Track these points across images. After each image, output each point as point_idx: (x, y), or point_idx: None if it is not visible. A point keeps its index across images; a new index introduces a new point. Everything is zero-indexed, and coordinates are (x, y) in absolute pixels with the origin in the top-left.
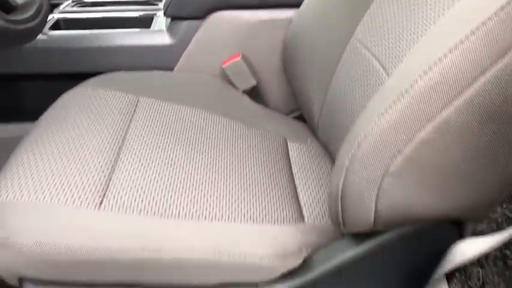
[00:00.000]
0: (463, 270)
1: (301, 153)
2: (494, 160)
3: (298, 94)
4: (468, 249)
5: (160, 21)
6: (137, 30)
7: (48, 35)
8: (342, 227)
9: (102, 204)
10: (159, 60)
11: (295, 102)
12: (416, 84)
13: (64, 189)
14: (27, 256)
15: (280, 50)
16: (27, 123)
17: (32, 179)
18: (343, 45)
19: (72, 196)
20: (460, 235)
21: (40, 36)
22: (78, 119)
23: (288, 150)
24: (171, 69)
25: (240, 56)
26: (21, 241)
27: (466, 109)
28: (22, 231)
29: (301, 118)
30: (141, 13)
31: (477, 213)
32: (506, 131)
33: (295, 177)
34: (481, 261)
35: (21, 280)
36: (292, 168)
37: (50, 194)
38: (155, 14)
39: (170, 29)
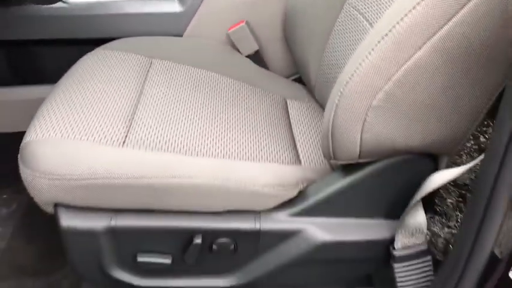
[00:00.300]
0: (444, 214)
1: (299, 110)
2: (459, 97)
3: (297, 58)
4: (439, 178)
5: None
6: None
7: (68, 2)
8: (333, 159)
9: (125, 143)
10: (170, 27)
11: (295, 66)
12: (394, 29)
13: (91, 129)
14: (60, 184)
15: (281, 17)
16: (48, 85)
17: (62, 122)
18: (338, 11)
19: (98, 135)
20: (436, 168)
21: (60, 4)
22: (98, 75)
23: (287, 106)
24: (180, 35)
25: (244, 23)
26: (55, 171)
27: (435, 51)
28: (56, 163)
29: (299, 81)
30: None
31: (449, 147)
32: (469, 72)
33: (293, 129)
34: (460, 206)
35: (55, 206)
36: (291, 121)
37: (79, 133)
38: None
39: None
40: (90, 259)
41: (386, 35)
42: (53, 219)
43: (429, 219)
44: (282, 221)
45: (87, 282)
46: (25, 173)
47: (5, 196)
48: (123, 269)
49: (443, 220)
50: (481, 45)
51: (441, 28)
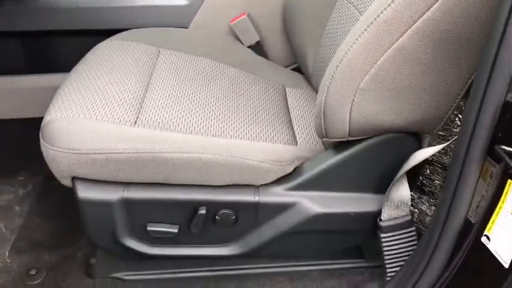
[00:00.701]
0: (431, 194)
1: (296, 96)
2: (439, 80)
3: (295, 48)
4: (420, 155)
5: None
6: None
7: None
8: (325, 137)
9: (137, 123)
10: (176, 19)
11: (293, 56)
12: (378, 18)
13: (105, 110)
14: (77, 158)
15: (281, 9)
16: (62, 73)
17: (78, 103)
18: (333, 3)
19: (112, 116)
20: (420, 147)
21: None
22: (109, 63)
23: (285, 93)
24: (186, 27)
25: (246, 15)
26: (73, 146)
27: (417, 37)
28: (73, 138)
29: (298, 70)
30: None
31: (431, 127)
32: (449, 56)
33: (291, 113)
34: None
35: (73, 180)
36: (289, 107)
37: (94, 113)
38: None
39: None
40: (104, 228)
41: (372, 23)
42: (65, 199)
43: (418, 199)
44: (279, 195)
45: (100, 253)
46: (46, 149)
47: (21, 178)
48: (134, 238)
49: (431, 200)
50: (460, 30)
51: (423, 14)
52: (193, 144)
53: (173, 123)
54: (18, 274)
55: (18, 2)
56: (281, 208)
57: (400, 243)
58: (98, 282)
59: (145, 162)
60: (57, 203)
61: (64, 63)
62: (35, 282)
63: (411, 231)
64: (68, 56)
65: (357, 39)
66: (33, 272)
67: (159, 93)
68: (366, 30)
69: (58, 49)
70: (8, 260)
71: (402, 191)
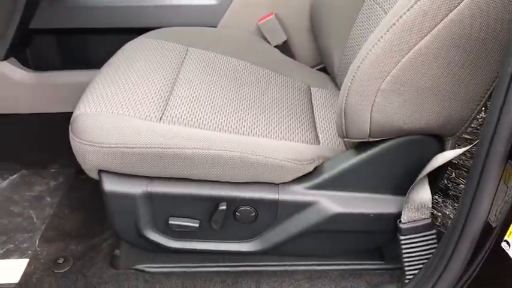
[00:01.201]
0: (455, 198)
1: (321, 96)
2: (462, 82)
3: (321, 48)
4: (442, 158)
5: None
6: None
7: None
8: (345, 137)
9: (162, 119)
10: (205, 18)
11: (319, 56)
12: (401, 18)
13: (132, 106)
14: (104, 152)
15: (308, 10)
16: (93, 70)
17: (107, 98)
18: (360, 5)
19: (139, 111)
20: (442, 149)
21: None
22: (138, 61)
23: (310, 93)
24: (214, 26)
25: (273, 15)
26: (101, 140)
27: (440, 38)
28: (101, 132)
29: (324, 70)
30: None
31: (454, 129)
32: (472, 58)
33: (315, 113)
34: None
35: (99, 173)
36: (313, 107)
37: (122, 108)
38: None
39: None
40: (128, 221)
41: (394, 24)
42: (93, 192)
43: (442, 203)
44: (299, 193)
45: (124, 245)
46: (74, 142)
47: (53, 170)
48: (156, 231)
49: (455, 204)
50: (484, 33)
51: (446, 16)
52: (217, 141)
53: (198, 120)
54: (47, 262)
55: (53, 2)
56: (300, 206)
57: (420, 246)
58: (121, 273)
59: (169, 158)
60: (85, 195)
61: (95, 60)
62: (62, 271)
63: (431, 235)
64: (100, 53)
65: (379, 40)
66: (60, 261)
67: (185, 91)
68: (388, 30)
69: (90, 46)
70: (38, 248)
71: (423, 194)
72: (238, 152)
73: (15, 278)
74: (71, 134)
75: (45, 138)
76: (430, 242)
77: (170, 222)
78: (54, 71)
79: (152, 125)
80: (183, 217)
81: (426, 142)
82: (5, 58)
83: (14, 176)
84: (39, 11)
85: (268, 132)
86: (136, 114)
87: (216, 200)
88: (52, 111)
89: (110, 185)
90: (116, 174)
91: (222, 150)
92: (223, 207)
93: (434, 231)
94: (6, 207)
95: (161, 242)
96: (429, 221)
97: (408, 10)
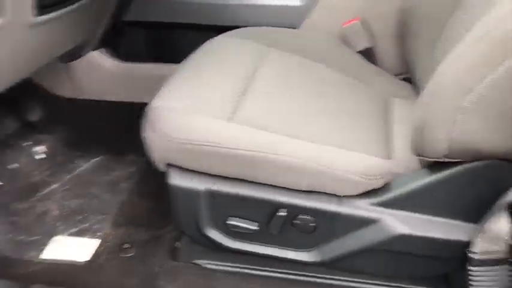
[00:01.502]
0: None
1: (401, 108)
2: None
3: (407, 57)
4: None
5: None
6: None
7: None
8: (419, 155)
9: (232, 119)
10: (288, 19)
11: (404, 65)
12: (489, 34)
13: (204, 102)
14: (174, 146)
15: (395, 16)
16: (175, 64)
17: (182, 94)
18: (449, 15)
19: (210, 108)
20: None
21: None
22: (217, 59)
23: (390, 103)
24: (296, 27)
25: (359, 20)
26: (172, 134)
27: None
28: (173, 126)
29: (407, 80)
30: None
31: None
32: None
33: (391, 125)
34: None
35: (168, 166)
36: (391, 118)
37: (194, 104)
38: None
39: None
40: (190, 216)
41: (481, 38)
42: (164, 183)
43: None
44: (363, 208)
45: (185, 239)
46: (146, 133)
47: (130, 158)
48: (215, 229)
49: None
50: None
51: None
52: (284, 147)
53: (268, 122)
54: (114, 246)
55: None
56: (363, 222)
57: (492, 281)
58: (180, 266)
59: (234, 158)
60: (156, 186)
61: (177, 55)
62: (127, 255)
63: (505, 269)
64: (182, 48)
65: (464, 53)
66: (126, 246)
67: (259, 92)
68: (474, 44)
69: (173, 41)
70: (108, 232)
71: (500, 224)
72: (304, 159)
73: (86, 257)
74: (143, 125)
75: (127, 126)
76: (504, 277)
77: (229, 222)
78: (139, 63)
79: (221, 123)
80: (241, 218)
81: (507, 168)
82: (98, 48)
83: (95, 160)
84: (133, 3)
85: (338, 141)
86: (208, 111)
87: (276, 206)
88: (136, 101)
89: (175, 179)
90: (182, 169)
91: (288, 157)
92: (282, 213)
93: (508, 266)
94: (84, 189)
95: (219, 240)
96: (505, 255)
97: (498, 24)
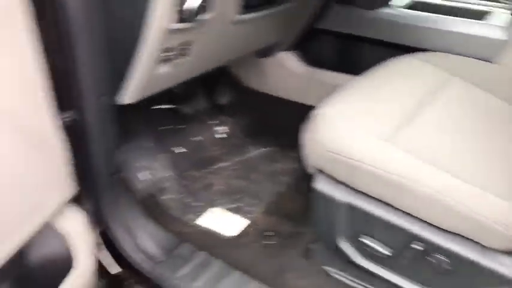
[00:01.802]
0: None
1: None
2: None
3: None
4: None
5: (499, 17)
6: (471, 20)
7: (393, 9)
8: None
9: (390, 141)
10: (481, 50)
11: None
12: None
13: (367, 119)
14: (328, 156)
15: None
16: (353, 75)
17: (349, 106)
18: None
19: (370, 126)
20: None
21: (385, 9)
22: (395, 78)
23: None
24: (489, 60)
25: None
26: (328, 144)
27: None
28: (332, 137)
29: None
30: (479, 7)
31: None
32: None
33: None
34: None
35: (317, 170)
36: None
37: (358, 119)
38: (491, 9)
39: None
40: (327, 223)
41: None
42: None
43: None
44: (508, 266)
45: (321, 243)
46: (306, 135)
47: (294, 154)
48: (347, 242)
49: None
50: None
51: None
52: (434, 181)
53: (425, 153)
54: (259, 230)
55: (344, 7)
56: (506, 282)
57: None
58: (310, 267)
59: (382, 180)
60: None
61: (359, 67)
62: (269, 243)
63: None
64: (364, 61)
65: None
66: (270, 234)
67: (426, 120)
68: None
69: (357, 53)
70: (258, 216)
71: None
72: (452, 198)
73: (233, 232)
74: (305, 127)
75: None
76: None
77: (361, 239)
78: (322, 69)
79: (377, 143)
80: (375, 239)
81: None
82: (288, 49)
83: (264, 150)
84: (327, 13)
85: (500, 188)
86: (370, 130)
87: (413, 237)
88: (313, 104)
89: (321, 185)
90: (329, 176)
91: (437, 192)
92: (418, 246)
93: None
94: (248, 172)
95: (349, 254)
96: None
97: None
